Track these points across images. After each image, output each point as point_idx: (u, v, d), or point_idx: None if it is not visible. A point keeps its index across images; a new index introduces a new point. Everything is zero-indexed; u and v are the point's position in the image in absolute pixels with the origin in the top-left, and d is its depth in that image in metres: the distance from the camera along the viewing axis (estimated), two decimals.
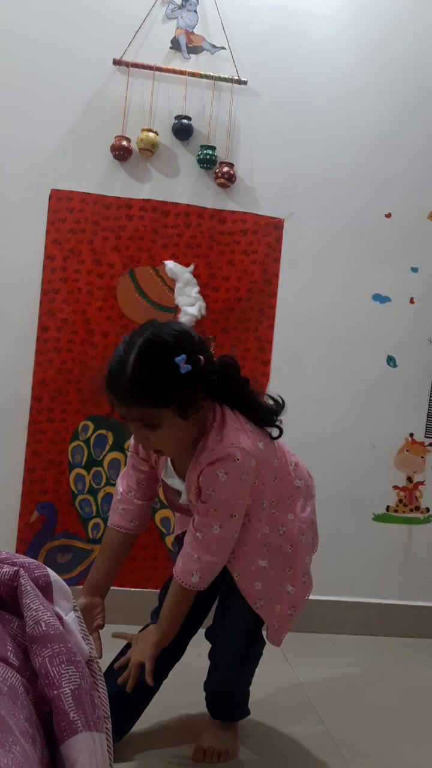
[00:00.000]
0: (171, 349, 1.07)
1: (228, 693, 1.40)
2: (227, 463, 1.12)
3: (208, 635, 1.43)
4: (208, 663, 1.41)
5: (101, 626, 1.29)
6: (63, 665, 0.72)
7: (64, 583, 0.85)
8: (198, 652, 1.41)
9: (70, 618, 0.82)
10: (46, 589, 0.81)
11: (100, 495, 1.99)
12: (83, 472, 1.99)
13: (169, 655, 1.29)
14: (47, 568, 0.84)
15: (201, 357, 1.10)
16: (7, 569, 0.79)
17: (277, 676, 1.75)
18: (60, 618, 0.79)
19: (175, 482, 1.29)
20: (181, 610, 1.23)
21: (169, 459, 1.28)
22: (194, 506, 1.20)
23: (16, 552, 1.86)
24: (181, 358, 1.06)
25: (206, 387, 1.12)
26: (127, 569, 1.86)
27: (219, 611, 1.40)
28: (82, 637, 0.82)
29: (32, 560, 0.83)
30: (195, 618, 1.34)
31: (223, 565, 1.23)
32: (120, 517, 1.33)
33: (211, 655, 1.40)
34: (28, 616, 0.75)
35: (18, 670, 0.71)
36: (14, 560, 0.82)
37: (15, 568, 0.80)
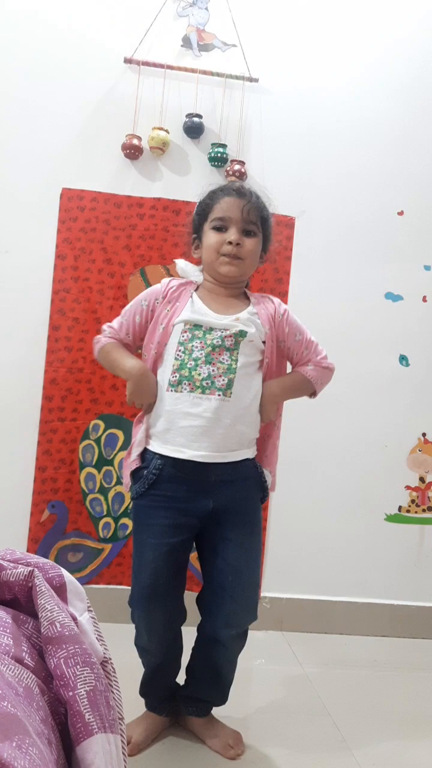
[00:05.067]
0: None
1: (232, 663, 1.40)
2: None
3: (212, 602, 1.36)
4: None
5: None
6: (78, 666, 0.71)
7: (78, 583, 0.85)
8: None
9: (85, 618, 0.82)
10: (60, 589, 0.81)
11: (111, 494, 1.99)
12: (94, 471, 1.99)
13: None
14: (61, 568, 0.83)
15: None
16: (22, 569, 0.79)
17: (288, 677, 1.74)
18: (74, 619, 0.79)
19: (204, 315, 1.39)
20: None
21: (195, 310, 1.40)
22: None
23: (27, 551, 1.87)
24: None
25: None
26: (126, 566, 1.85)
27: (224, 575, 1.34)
28: (97, 637, 0.82)
29: (46, 560, 0.83)
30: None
31: None
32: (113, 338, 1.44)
33: (212, 624, 1.35)
34: (43, 617, 0.74)
35: (33, 671, 0.70)
36: (29, 560, 0.82)
37: (30, 568, 0.79)
